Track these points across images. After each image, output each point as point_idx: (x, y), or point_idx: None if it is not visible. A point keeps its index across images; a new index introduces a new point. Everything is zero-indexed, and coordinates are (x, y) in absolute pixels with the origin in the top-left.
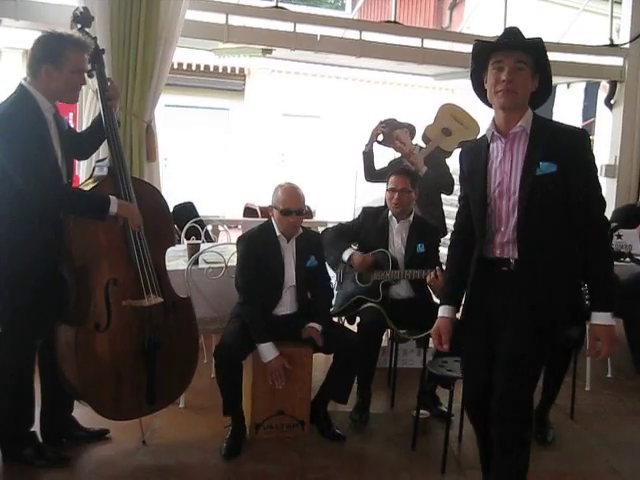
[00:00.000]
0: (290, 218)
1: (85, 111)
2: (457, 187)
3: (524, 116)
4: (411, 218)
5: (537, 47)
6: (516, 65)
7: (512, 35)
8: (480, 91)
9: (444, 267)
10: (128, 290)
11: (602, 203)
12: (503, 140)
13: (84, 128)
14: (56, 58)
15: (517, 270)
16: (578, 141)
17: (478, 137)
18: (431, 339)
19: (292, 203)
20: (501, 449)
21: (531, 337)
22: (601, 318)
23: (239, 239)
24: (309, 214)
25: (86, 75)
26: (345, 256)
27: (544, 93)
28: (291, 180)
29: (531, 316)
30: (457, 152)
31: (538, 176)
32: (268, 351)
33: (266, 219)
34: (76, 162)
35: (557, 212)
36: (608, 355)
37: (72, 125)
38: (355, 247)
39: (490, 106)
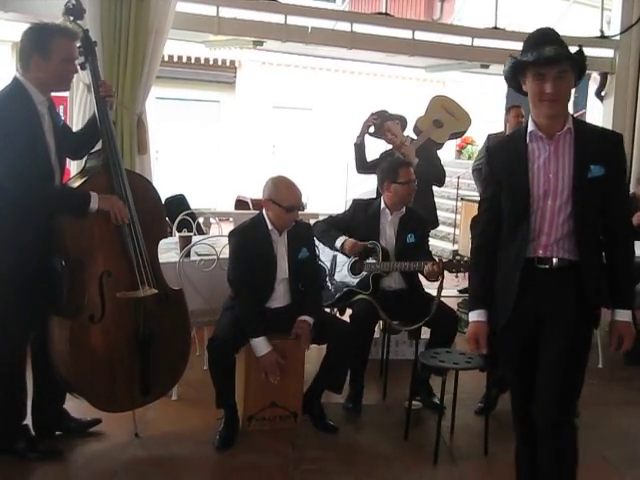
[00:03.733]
0: (293, 214)
1: (76, 104)
2: (447, 183)
3: (568, 118)
4: (404, 210)
5: (579, 59)
6: (558, 75)
7: (549, 40)
8: (516, 87)
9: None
10: (122, 282)
11: (629, 207)
12: (546, 141)
13: (74, 121)
14: (44, 48)
15: (559, 268)
16: (619, 146)
17: (466, 129)
18: (424, 329)
19: (296, 200)
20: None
21: (579, 335)
22: (624, 315)
23: (231, 233)
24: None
25: (78, 67)
26: (338, 243)
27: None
28: (282, 172)
29: (577, 313)
30: (448, 144)
31: (589, 178)
32: (261, 346)
33: (257, 212)
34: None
35: (599, 214)
36: (627, 349)
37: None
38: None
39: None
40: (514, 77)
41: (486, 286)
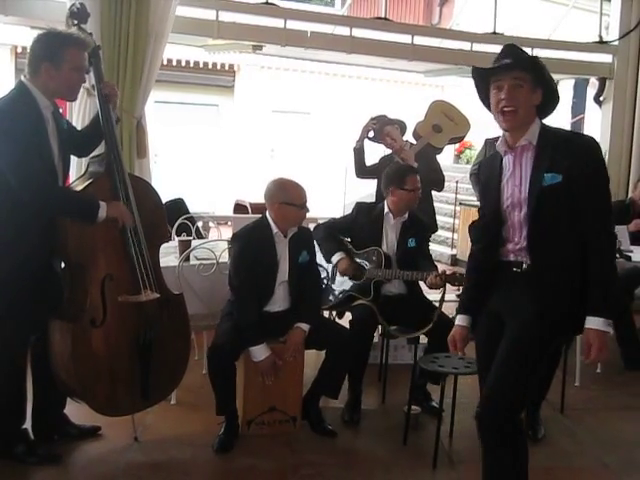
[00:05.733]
0: (305, 211)
1: (75, 108)
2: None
3: (529, 130)
4: (406, 215)
5: (532, 64)
6: (514, 83)
7: (509, 54)
8: (486, 102)
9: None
10: (124, 286)
11: (609, 212)
12: (512, 154)
13: (74, 124)
14: (56, 57)
15: (527, 271)
16: (584, 150)
17: (465, 134)
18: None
19: (305, 195)
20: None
21: (532, 336)
22: (593, 322)
23: (234, 236)
24: None
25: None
26: (334, 259)
27: (550, 103)
28: (281, 176)
29: (535, 315)
30: (447, 148)
31: (544, 187)
32: (260, 352)
33: (259, 215)
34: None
35: (565, 221)
36: (596, 360)
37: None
38: (347, 240)
39: None
40: (485, 93)
41: (472, 293)
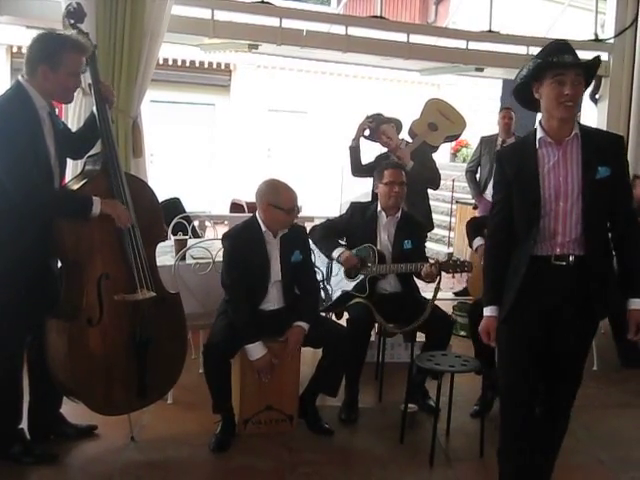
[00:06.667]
0: (293, 215)
1: (70, 108)
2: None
3: (575, 124)
4: (399, 214)
5: (594, 68)
6: (576, 79)
7: (568, 50)
8: (523, 97)
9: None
10: (120, 284)
11: (635, 203)
12: (555, 146)
13: (69, 125)
14: (53, 60)
15: (575, 264)
16: (622, 146)
17: (461, 132)
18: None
19: (295, 200)
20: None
21: (587, 337)
22: (638, 304)
23: (224, 236)
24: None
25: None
26: (335, 254)
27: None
28: (278, 175)
29: (588, 311)
30: (443, 147)
31: (597, 179)
32: (256, 350)
33: (251, 214)
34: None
35: (607, 212)
36: None
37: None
38: (343, 242)
39: (534, 111)
40: (529, 82)
41: (498, 285)
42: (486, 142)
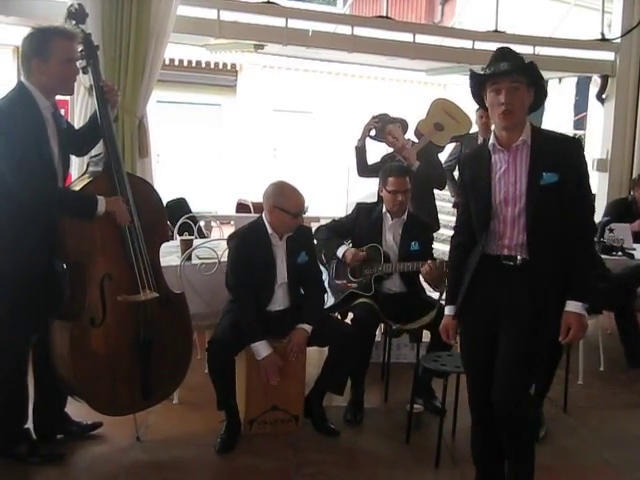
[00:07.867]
0: (299, 219)
1: (77, 108)
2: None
3: (524, 130)
4: (405, 216)
5: (529, 69)
6: (512, 86)
7: (505, 57)
8: (483, 105)
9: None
10: (123, 285)
11: (592, 209)
12: (506, 153)
13: (75, 125)
14: (43, 50)
15: (521, 265)
16: (574, 150)
17: (467, 132)
18: (425, 333)
19: (302, 205)
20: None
21: (533, 330)
22: (573, 306)
23: (230, 237)
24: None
25: (80, 70)
26: (339, 252)
27: (539, 100)
28: (284, 176)
29: (534, 312)
30: (449, 147)
31: (542, 185)
32: (261, 349)
33: (258, 215)
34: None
35: (556, 217)
36: (575, 340)
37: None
38: (348, 243)
39: None
40: (478, 92)
41: (458, 283)
42: (467, 141)
